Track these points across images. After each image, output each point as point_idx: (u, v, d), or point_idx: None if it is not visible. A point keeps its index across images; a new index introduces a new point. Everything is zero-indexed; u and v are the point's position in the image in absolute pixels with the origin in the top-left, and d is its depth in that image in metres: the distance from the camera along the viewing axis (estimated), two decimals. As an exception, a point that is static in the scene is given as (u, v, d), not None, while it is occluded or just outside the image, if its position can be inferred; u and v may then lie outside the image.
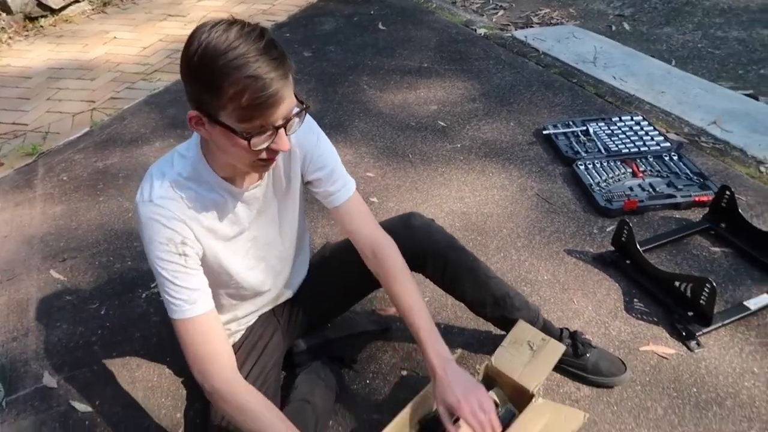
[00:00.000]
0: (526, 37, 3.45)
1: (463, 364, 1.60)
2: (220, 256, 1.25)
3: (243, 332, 1.48)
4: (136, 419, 1.56)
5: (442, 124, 2.72)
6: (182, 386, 1.63)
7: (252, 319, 1.49)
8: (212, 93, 0.97)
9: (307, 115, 1.20)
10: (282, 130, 1.03)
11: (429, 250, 1.43)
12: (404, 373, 1.61)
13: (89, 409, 1.60)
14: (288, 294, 1.52)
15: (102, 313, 1.88)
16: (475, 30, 3.60)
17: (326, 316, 1.61)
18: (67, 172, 2.60)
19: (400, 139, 2.64)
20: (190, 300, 1.13)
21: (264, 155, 1.06)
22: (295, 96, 1.04)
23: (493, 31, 3.59)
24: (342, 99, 3.00)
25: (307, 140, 1.28)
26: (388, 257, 1.31)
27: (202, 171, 1.16)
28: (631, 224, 1.80)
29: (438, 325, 1.70)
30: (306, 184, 1.34)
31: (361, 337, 1.69)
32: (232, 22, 0.98)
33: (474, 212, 2.17)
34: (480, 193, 2.27)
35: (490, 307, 1.49)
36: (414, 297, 1.28)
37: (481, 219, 2.14)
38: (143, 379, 1.66)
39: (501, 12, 4.06)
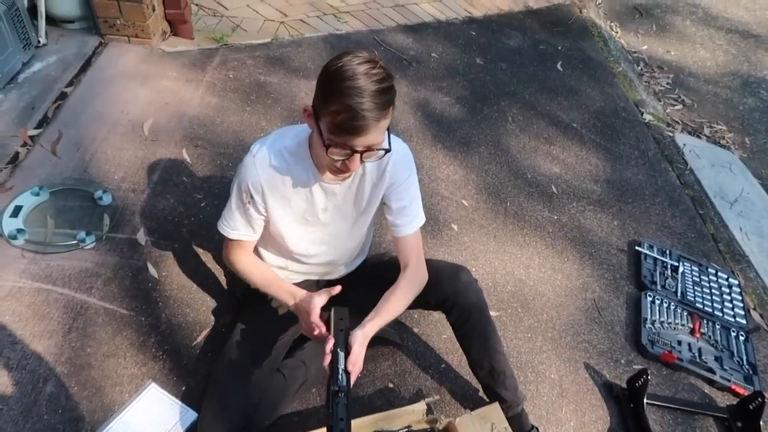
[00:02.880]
0: (684, 145, 3.39)
1: (437, 408, 1.81)
2: (281, 226, 1.54)
3: (287, 285, 1.77)
4: (183, 302, 1.92)
5: (554, 190, 2.81)
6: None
7: (299, 279, 1.77)
8: (324, 101, 1.25)
9: (410, 152, 1.53)
10: (357, 155, 1.28)
11: (460, 302, 1.64)
12: (390, 385, 1.84)
13: (156, 275, 1.98)
14: (334, 276, 1.79)
15: (202, 205, 2.24)
16: (642, 113, 3.57)
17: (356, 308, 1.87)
18: (235, 72, 2.98)
19: (510, 185, 2.78)
20: (233, 227, 1.55)
21: (338, 165, 1.33)
22: (388, 132, 1.31)
23: (658, 122, 3.54)
24: (483, 120, 3.15)
25: (400, 173, 1.52)
26: (411, 278, 1.55)
27: (303, 150, 1.44)
28: (650, 376, 1.89)
29: (442, 362, 1.91)
30: (383, 203, 1.59)
31: (376, 341, 1.92)
32: (370, 60, 1.23)
33: (530, 285, 2.31)
34: (546, 271, 2.39)
35: (484, 373, 1.70)
36: (398, 306, 1.51)
37: (531, 294, 2.27)
38: (205, 271, 2.01)
39: (679, 106, 3.94)
